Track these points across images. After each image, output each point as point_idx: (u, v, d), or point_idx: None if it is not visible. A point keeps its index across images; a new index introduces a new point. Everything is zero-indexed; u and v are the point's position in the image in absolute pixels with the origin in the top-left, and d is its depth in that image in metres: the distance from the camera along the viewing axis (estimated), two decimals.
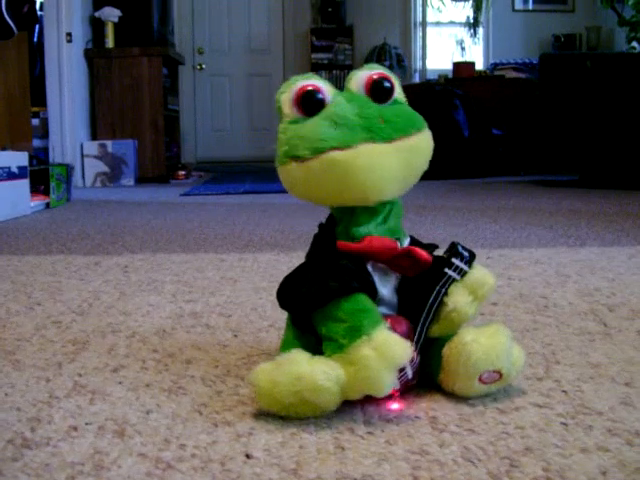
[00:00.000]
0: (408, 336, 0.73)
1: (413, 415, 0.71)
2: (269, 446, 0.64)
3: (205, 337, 1.02)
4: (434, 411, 0.72)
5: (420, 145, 0.73)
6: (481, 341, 0.73)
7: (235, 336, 1.02)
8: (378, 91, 0.73)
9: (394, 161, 0.71)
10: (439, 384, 0.77)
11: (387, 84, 0.74)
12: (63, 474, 0.59)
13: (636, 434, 0.66)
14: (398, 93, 0.76)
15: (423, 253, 0.74)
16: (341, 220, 0.75)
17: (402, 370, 0.71)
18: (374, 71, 0.75)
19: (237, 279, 1.44)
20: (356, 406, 0.73)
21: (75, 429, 0.69)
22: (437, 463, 0.61)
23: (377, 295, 0.74)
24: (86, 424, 0.70)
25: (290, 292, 0.75)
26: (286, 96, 0.73)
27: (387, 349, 0.68)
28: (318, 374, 0.67)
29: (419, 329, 0.75)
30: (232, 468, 0.60)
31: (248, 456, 0.62)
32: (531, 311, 1.15)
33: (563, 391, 0.78)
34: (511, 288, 1.32)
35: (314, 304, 0.72)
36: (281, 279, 0.77)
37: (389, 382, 0.68)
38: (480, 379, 0.74)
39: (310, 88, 0.72)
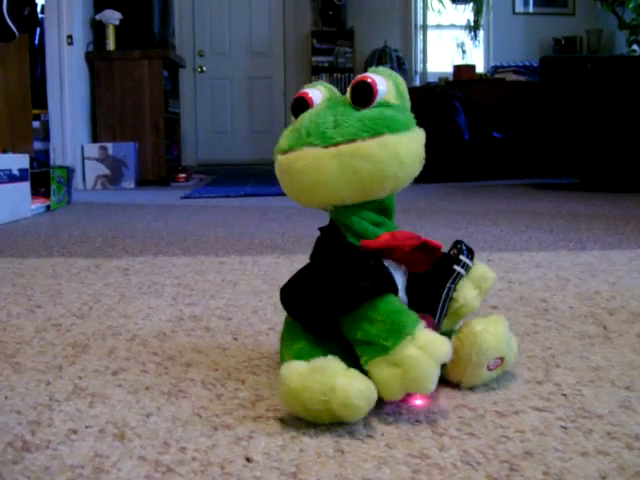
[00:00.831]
0: (436, 332, 0.74)
1: (413, 419, 0.71)
2: (269, 449, 0.64)
3: (205, 340, 1.02)
4: (434, 414, 0.72)
5: (368, 151, 0.71)
6: (490, 330, 0.78)
7: (235, 339, 1.02)
8: (357, 95, 0.73)
9: (333, 165, 0.71)
10: (444, 376, 0.78)
11: (367, 88, 0.72)
12: (63, 477, 0.59)
13: (636, 438, 0.66)
14: (390, 95, 0.74)
15: (438, 243, 0.76)
16: (340, 222, 0.75)
17: None
18: (365, 74, 0.74)
19: (237, 282, 1.44)
20: None
21: (75, 432, 0.69)
22: (437, 467, 0.61)
23: (398, 293, 0.74)
24: (86, 427, 0.70)
25: (304, 299, 0.74)
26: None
27: (433, 348, 0.69)
28: (353, 391, 0.66)
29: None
30: (232, 471, 0.60)
31: (248, 459, 0.62)
32: (531, 314, 1.15)
33: (563, 395, 0.78)
34: (511, 291, 1.32)
35: (346, 308, 0.71)
36: (281, 282, 0.77)
37: (436, 379, 0.69)
38: (487, 366, 0.78)
39: (300, 95, 0.76)
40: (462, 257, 0.79)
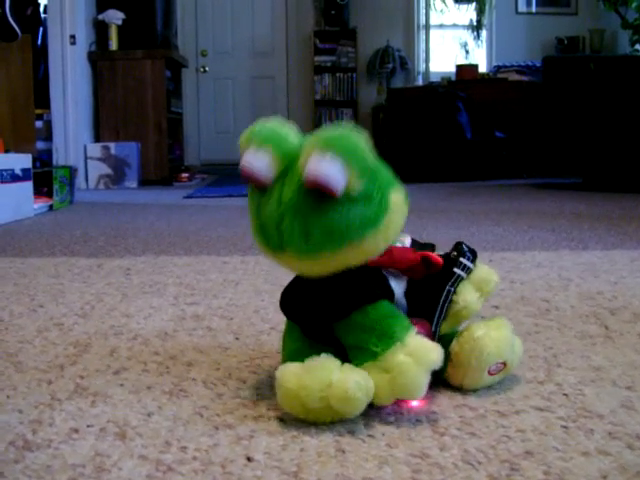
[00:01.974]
0: (429, 336, 0.74)
1: (414, 418, 0.72)
2: (270, 449, 0.64)
3: (207, 340, 1.02)
4: (435, 414, 0.72)
5: (344, 262, 0.69)
6: (491, 335, 0.77)
7: (237, 339, 1.02)
8: (317, 193, 0.64)
9: (312, 269, 0.70)
10: (446, 379, 0.79)
11: (323, 190, 0.63)
12: (64, 476, 0.59)
13: (637, 438, 0.66)
14: (352, 179, 0.64)
15: (438, 259, 0.75)
16: None
17: None
18: (318, 163, 0.63)
19: (239, 282, 1.44)
20: None
21: (76, 431, 0.69)
22: (438, 466, 0.61)
23: (394, 298, 0.74)
24: (87, 426, 0.70)
25: (301, 303, 0.74)
26: (241, 154, 0.68)
27: (422, 354, 0.69)
28: (350, 383, 0.67)
29: (433, 329, 0.77)
30: (233, 471, 0.60)
31: (249, 459, 0.62)
32: (533, 314, 1.15)
33: (564, 394, 0.78)
34: (513, 291, 1.32)
35: (339, 314, 0.71)
36: (283, 282, 0.77)
37: (425, 386, 0.69)
38: (488, 371, 0.77)
39: (247, 170, 0.67)
40: (462, 259, 0.78)
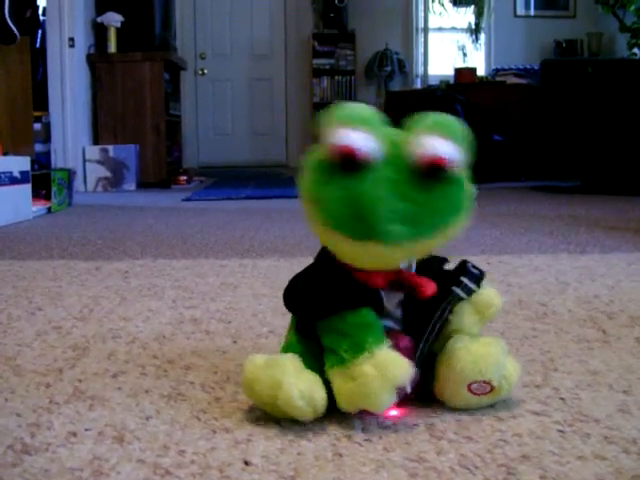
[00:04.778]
0: (411, 352, 0.73)
1: (411, 422, 0.72)
2: (267, 453, 0.65)
3: (205, 343, 1.02)
4: (432, 418, 0.73)
5: (435, 245, 0.70)
6: (471, 349, 0.73)
7: (235, 342, 1.02)
8: (429, 172, 0.66)
9: (397, 257, 0.70)
10: (434, 394, 0.77)
11: (442, 168, 0.65)
12: None
13: (633, 442, 0.66)
14: (461, 165, 0.68)
15: (427, 290, 0.73)
16: None
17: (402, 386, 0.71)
18: (439, 142, 0.65)
19: (237, 285, 1.44)
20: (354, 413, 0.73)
21: (74, 435, 0.69)
22: (434, 470, 0.61)
23: (383, 309, 0.73)
24: (85, 430, 0.70)
25: (297, 296, 0.75)
26: (334, 132, 0.65)
27: (388, 369, 0.68)
28: (294, 390, 0.68)
29: (421, 345, 0.74)
30: (230, 474, 0.60)
31: (246, 463, 0.63)
32: (530, 318, 1.15)
33: (561, 399, 0.78)
34: (510, 295, 1.32)
35: (319, 314, 0.72)
36: (281, 286, 0.77)
37: (387, 401, 0.69)
38: (470, 389, 0.73)
39: (348, 150, 0.64)
40: (463, 279, 0.75)
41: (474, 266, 0.76)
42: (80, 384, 0.84)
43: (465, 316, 0.76)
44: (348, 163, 0.65)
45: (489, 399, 0.74)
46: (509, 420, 0.72)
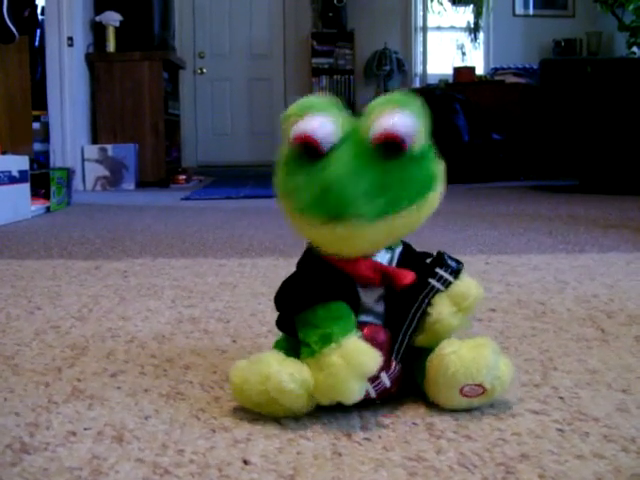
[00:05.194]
0: (386, 345, 0.73)
1: (410, 421, 0.72)
2: (266, 452, 0.65)
3: (204, 342, 1.02)
4: (431, 417, 0.73)
5: (418, 219, 0.70)
6: (461, 353, 0.73)
7: (234, 342, 1.02)
8: (387, 148, 0.66)
9: (379, 235, 0.69)
10: (427, 395, 0.78)
11: (398, 143, 0.65)
12: (61, 479, 0.59)
13: (632, 441, 0.66)
14: (420, 136, 0.67)
15: (405, 279, 0.73)
16: None
17: (377, 378, 0.71)
18: (392, 122, 0.65)
19: (236, 284, 1.44)
20: (353, 412, 0.73)
21: (73, 434, 0.69)
22: (433, 469, 0.61)
23: (359, 303, 0.74)
24: (84, 429, 0.70)
25: (280, 295, 0.77)
26: (291, 125, 0.67)
27: (355, 358, 0.68)
28: (284, 375, 0.69)
29: (400, 338, 0.74)
30: (230, 474, 0.60)
31: (245, 462, 0.63)
32: (529, 317, 1.15)
33: (560, 397, 0.78)
34: (509, 294, 1.32)
35: (294, 309, 0.74)
36: (280, 284, 0.78)
37: (357, 390, 0.69)
38: (462, 392, 0.73)
39: (307, 138, 0.66)
40: (439, 270, 0.75)
41: (451, 257, 0.76)
42: (79, 383, 0.84)
43: (442, 308, 0.74)
44: (310, 150, 0.66)
45: (481, 400, 0.74)
46: (508, 419, 0.72)
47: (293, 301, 0.74)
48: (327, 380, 0.69)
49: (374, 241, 0.71)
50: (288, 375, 0.69)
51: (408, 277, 0.73)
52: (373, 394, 0.72)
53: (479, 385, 0.72)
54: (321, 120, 0.66)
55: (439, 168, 0.71)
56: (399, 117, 0.65)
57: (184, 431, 0.69)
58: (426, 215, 0.71)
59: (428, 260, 0.78)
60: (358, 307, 0.73)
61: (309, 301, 0.72)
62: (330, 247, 0.71)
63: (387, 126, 0.65)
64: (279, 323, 0.79)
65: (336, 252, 0.72)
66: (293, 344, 0.75)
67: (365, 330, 0.72)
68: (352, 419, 0.72)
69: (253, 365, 0.72)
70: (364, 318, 0.74)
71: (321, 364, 0.69)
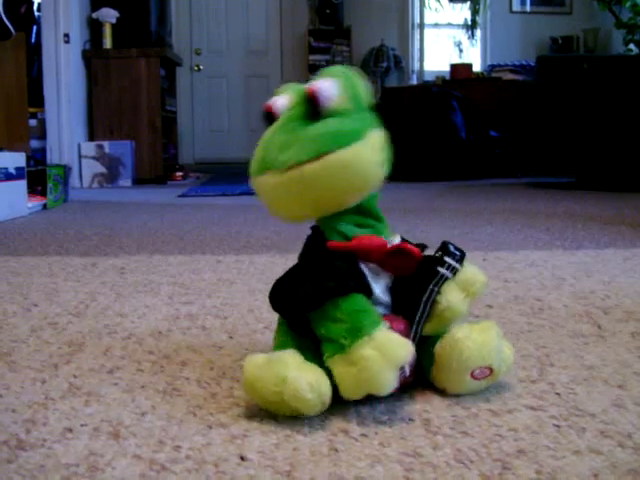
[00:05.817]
0: (406, 335, 0.74)
1: (407, 417, 0.72)
2: (263, 448, 0.65)
3: (201, 339, 1.02)
4: (428, 413, 0.73)
5: (312, 175, 0.71)
6: (473, 337, 0.75)
7: (231, 338, 1.02)
8: (308, 108, 0.72)
9: (289, 190, 0.72)
10: (431, 381, 0.78)
11: (312, 99, 0.71)
12: (58, 475, 0.59)
13: (628, 436, 0.66)
14: (341, 99, 0.72)
15: (414, 249, 0.75)
16: (325, 225, 0.76)
17: (401, 368, 0.71)
18: (314, 82, 0.72)
19: (233, 281, 1.44)
20: (349, 408, 0.73)
21: (70, 431, 0.69)
22: (430, 465, 0.61)
23: (372, 294, 0.74)
24: (81, 426, 0.70)
25: (284, 295, 0.75)
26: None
27: (389, 349, 0.69)
28: (302, 384, 0.68)
29: (414, 327, 0.76)
30: (226, 470, 0.60)
31: (242, 458, 0.63)
32: (526, 313, 1.15)
33: (556, 393, 0.78)
34: (506, 290, 1.33)
35: (311, 305, 0.72)
36: (275, 282, 0.77)
37: (391, 381, 0.69)
38: (472, 375, 0.76)
39: (266, 109, 0.76)
40: (447, 259, 0.77)
41: (455, 246, 0.78)
42: (75, 380, 0.84)
43: (452, 295, 0.77)
44: (268, 118, 0.76)
45: (488, 382, 0.77)
46: (505, 415, 0.72)
47: (307, 298, 0.72)
48: (361, 374, 0.68)
49: (290, 201, 0.73)
50: (307, 384, 0.68)
51: (416, 250, 0.76)
52: (396, 384, 0.72)
53: (488, 367, 0.76)
54: (283, 96, 0.76)
55: (363, 128, 0.73)
56: (321, 82, 0.72)
57: (181, 427, 0.69)
58: (335, 177, 0.71)
59: (431, 251, 0.79)
60: (370, 296, 0.74)
61: (327, 295, 0.71)
62: (274, 202, 0.75)
63: (311, 86, 0.72)
64: (290, 324, 0.77)
65: (278, 208, 0.75)
66: (303, 344, 0.74)
67: (388, 320, 0.73)
68: (349, 415, 0.72)
69: (271, 364, 0.70)
70: (376, 309, 0.74)
71: (353, 358, 0.69)
